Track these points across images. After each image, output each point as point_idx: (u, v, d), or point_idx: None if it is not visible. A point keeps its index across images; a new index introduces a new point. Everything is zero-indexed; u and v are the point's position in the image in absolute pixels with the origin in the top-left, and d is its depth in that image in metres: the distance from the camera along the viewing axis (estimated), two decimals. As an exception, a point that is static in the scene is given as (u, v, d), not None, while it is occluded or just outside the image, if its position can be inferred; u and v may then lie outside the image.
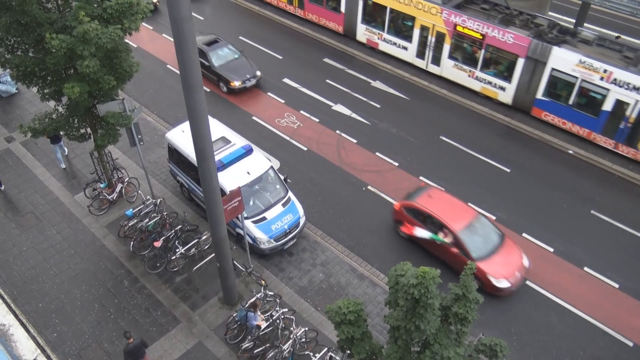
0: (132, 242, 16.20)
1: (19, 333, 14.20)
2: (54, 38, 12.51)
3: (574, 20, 24.29)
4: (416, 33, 24.18)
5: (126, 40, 14.83)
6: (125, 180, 18.21)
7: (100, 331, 14.45)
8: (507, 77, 22.15)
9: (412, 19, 23.95)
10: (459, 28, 22.57)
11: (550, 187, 19.28)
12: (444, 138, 21.46)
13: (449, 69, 23.91)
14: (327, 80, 24.59)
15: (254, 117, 22.46)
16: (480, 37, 22.06)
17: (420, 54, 24.66)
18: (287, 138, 21.37)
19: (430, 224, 16.09)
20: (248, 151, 16.87)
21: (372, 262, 16.58)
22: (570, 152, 20.88)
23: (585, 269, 16.45)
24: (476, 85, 23.33)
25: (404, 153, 20.63)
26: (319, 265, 16.36)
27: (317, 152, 20.71)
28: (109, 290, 15.52)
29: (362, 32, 26.42)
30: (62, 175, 19.09)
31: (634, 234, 17.52)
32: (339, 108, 22.91)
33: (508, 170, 19.98)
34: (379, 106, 23.12)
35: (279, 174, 17.27)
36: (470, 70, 23.18)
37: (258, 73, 23.65)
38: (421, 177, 19.52)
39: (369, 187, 19.19)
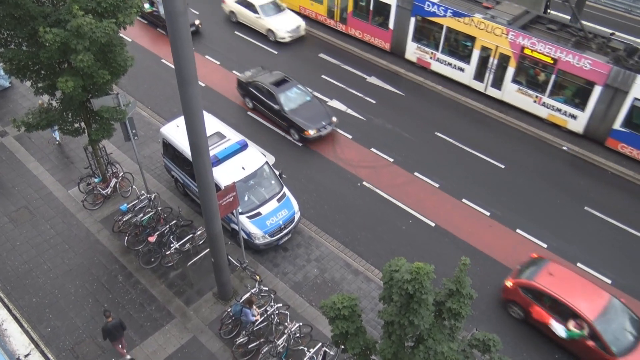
0: (126, 237, 16.16)
1: (13, 328, 14.14)
2: (48, 32, 12.43)
3: (550, 11, 24.45)
4: (476, 54, 22.57)
5: (120, 35, 14.75)
6: (120, 175, 18.15)
7: (94, 326, 14.43)
8: (580, 105, 20.44)
9: (472, 39, 22.35)
10: (526, 51, 20.90)
11: (544, 184, 19.36)
12: (439, 134, 21.50)
13: (511, 93, 22.20)
14: (323, 76, 24.56)
15: (249, 112, 22.41)
16: (552, 62, 20.34)
17: (479, 77, 23.05)
18: (282, 133, 21.34)
19: (556, 309, 13.87)
20: (243, 146, 16.84)
21: (367, 258, 16.62)
22: (565, 148, 20.96)
23: (579, 265, 16.55)
24: (542, 112, 21.64)
25: (399, 149, 20.65)
26: (313, 261, 16.39)
27: (312, 147, 20.70)
28: (103, 285, 15.49)
29: (413, 51, 24.80)
30: (56, 170, 19.01)
31: (627, 231, 17.63)
32: (335, 104, 22.89)
33: (502, 167, 20.05)
34: (374, 102, 23.12)
35: (274, 170, 17.27)
36: (536, 96, 21.46)
37: (334, 119, 21.01)
38: (416, 173, 19.55)
39: (364, 183, 19.21)
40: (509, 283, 14.84)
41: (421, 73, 24.75)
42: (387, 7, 24.60)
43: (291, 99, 21.08)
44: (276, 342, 13.11)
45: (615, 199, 18.84)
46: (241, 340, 13.53)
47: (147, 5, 26.68)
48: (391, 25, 24.98)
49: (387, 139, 21.15)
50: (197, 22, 26.86)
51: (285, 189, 17.00)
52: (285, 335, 13.25)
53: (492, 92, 22.93)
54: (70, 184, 18.45)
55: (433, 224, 17.69)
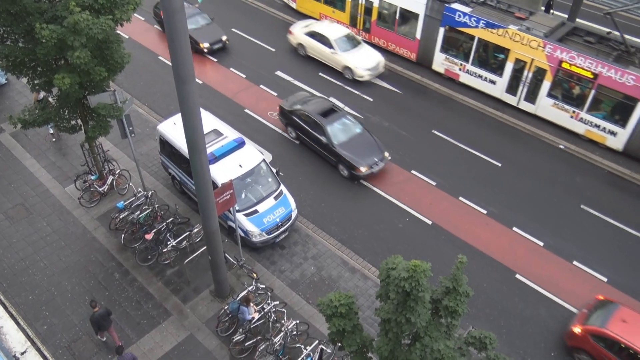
0: (123, 235, 16.14)
1: (9, 325, 14.12)
2: (44, 28, 12.38)
3: (566, 15, 24.40)
4: (509, 67, 21.73)
5: (117, 31, 14.70)
6: (117, 172, 18.11)
7: (90, 324, 14.37)
8: (620, 122, 19.70)
9: (506, 51, 21.52)
10: (565, 65, 20.06)
11: (540, 182, 19.41)
12: (436, 132, 21.51)
13: (546, 108, 21.35)
14: (320, 73, 24.53)
15: (246, 110, 22.38)
16: (592, 77, 19.57)
17: (512, 90, 22.19)
18: (280, 131, 21.32)
19: None
20: (240, 144, 16.82)
21: (364, 256, 16.64)
22: (561, 146, 21.01)
23: (575, 262, 16.61)
24: (579, 128, 20.82)
25: (396, 147, 20.66)
26: (310, 259, 16.40)
27: (309, 146, 20.67)
28: (100, 283, 15.46)
29: (441, 62, 24.00)
30: (52, 167, 18.95)
31: (623, 229, 17.69)
32: (332, 101, 22.84)
33: (499, 165, 20.08)
34: (371, 100, 23.11)
35: (271, 167, 17.25)
36: (573, 111, 20.61)
37: (386, 154, 19.21)
38: (413, 171, 19.56)
39: (362, 181, 19.21)
40: (576, 329, 13.75)
41: (449, 84, 23.91)
42: (415, 16, 23.81)
43: (340, 131, 19.23)
44: (273, 340, 13.12)
45: (611, 197, 18.90)
46: (238, 337, 13.54)
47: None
48: (418, 35, 24.14)
49: (384, 137, 21.12)
50: (224, 37, 25.42)
51: (282, 187, 16.99)
52: (282, 333, 13.26)
53: (525, 106, 22.03)
54: (66, 181, 18.40)
55: (430, 222, 17.73)
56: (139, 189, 17.14)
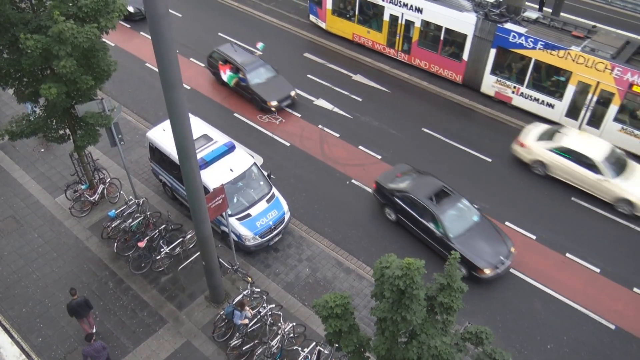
0: (115, 243, 16.05)
1: (3, 339, 13.95)
2: (29, 38, 12.29)
3: (548, 9, 24.58)
4: (570, 90, 20.36)
5: (103, 39, 14.62)
6: (107, 181, 18.01)
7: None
8: None
9: (567, 73, 20.18)
10: (635, 88, 18.74)
11: (531, 176, 19.51)
12: (425, 130, 21.59)
13: (612, 132, 19.91)
14: (308, 75, 24.56)
15: (235, 114, 22.35)
16: None
17: (572, 114, 20.80)
18: (270, 134, 21.31)
19: None
20: (230, 148, 16.79)
21: (358, 256, 16.65)
22: (550, 140, 21.12)
23: (567, 255, 16.72)
24: None
25: (386, 146, 20.71)
26: (305, 261, 16.39)
27: (300, 147, 20.70)
28: (94, 293, 15.36)
29: (491, 84, 22.62)
30: (42, 178, 18.80)
31: (614, 220, 17.83)
32: (321, 102, 22.91)
33: (490, 160, 20.18)
34: (360, 100, 23.16)
35: (263, 170, 17.24)
36: None
37: (512, 249, 15.92)
38: (404, 170, 19.60)
39: (353, 181, 19.25)
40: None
41: (499, 107, 22.72)
42: (462, 37, 22.49)
43: (456, 220, 16.07)
44: (270, 343, 13.10)
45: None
46: (235, 342, 13.51)
47: (228, 73, 21.63)
48: (465, 56, 22.84)
49: (375, 137, 21.21)
50: (292, 93, 22.44)
51: (274, 190, 16.98)
52: (279, 336, 13.24)
53: (588, 130, 20.46)
54: (56, 192, 18.27)
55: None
56: (130, 197, 17.06)
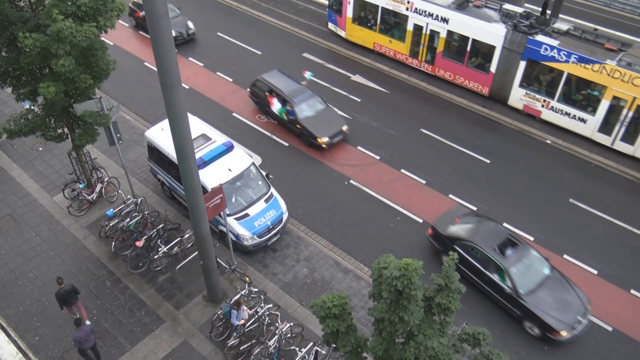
0: (113, 243, 16.04)
1: (0, 337, 13.98)
2: (27, 37, 12.28)
3: (548, 11, 24.57)
4: (604, 105, 19.73)
5: (102, 38, 14.62)
6: (105, 180, 18.00)
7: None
8: None
9: (602, 88, 19.58)
10: None
11: (529, 177, 19.55)
12: (424, 130, 21.60)
13: None
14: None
15: (234, 114, 22.34)
16: None
17: (605, 129, 20.18)
18: (268, 134, 21.31)
19: None
20: (229, 148, 16.79)
21: (356, 256, 16.66)
22: (548, 142, 21.18)
23: (565, 256, 16.74)
24: None
25: (385, 146, 20.72)
26: (302, 261, 16.39)
27: (298, 147, 20.69)
28: (91, 292, 15.35)
29: (519, 97, 21.99)
30: (40, 177, 18.78)
31: (612, 221, 17.86)
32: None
33: (488, 161, 20.20)
34: (359, 100, 23.17)
35: (261, 170, 17.23)
36: None
37: (589, 307, 14.44)
38: (403, 170, 19.63)
39: (351, 182, 19.25)
40: None
41: (526, 121, 22.10)
42: (490, 48, 21.85)
43: (526, 273, 14.55)
44: (268, 343, 13.09)
45: (599, 190, 19.08)
46: (232, 342, 13.50)
47: (277, 105, 20.76)
48: (493, 68, 22.16)
49: (373, 137, 21.21)
50: (344, 127, 20.60)
51: (272, 190, 16.97)
52: (276, 336, 13.24)
53: (621, 146, 20.10)
54: (54, 191, 18.25)
55: (421, 221, 17.78)
56: (128, 196, 17.04)
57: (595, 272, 16.27)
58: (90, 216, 17.46)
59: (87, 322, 13.51)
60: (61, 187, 17.94)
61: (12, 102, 21.28)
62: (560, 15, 25.00)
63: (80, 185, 17.55)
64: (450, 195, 18.65)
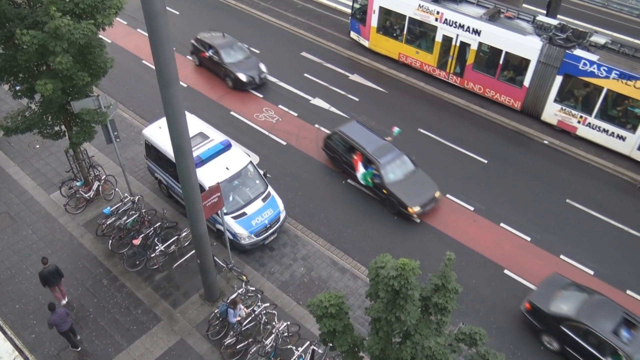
0: (110, 241, 16.01)
1: (-4, 335, 13.97)
2: (25, 34, 12.24)
3: (544, 11, 24.65)
4: None
5: (100, 36, 14.58)
6: (102, 178, 17.96)
7: (79, 331, 14.27)
8: None
9: None
10: None
11: (526, 177, 19.59)
12: (422, 130, 21.62)
13: None
14: (305, 74, 24.54)
15: (232, 112, 22.32)
16: None
17: None
18: (266, 133, 21.30)
19: None
20: (227, 146, 16.77)
21: (353, 255, 16.67)
22: (546, 142, 21.22)
23: (562, 257, 16.78)
24: None
25: (383, 146, 20.69)
26: (300, 260, 16.39)
27: (296, 146, 20.69)
28: (88, 290, 15.32)
29: (553, 113, 21.26)
30: (37, 174, 18.73)
31: (608, 222, 17.91)
32: (318, 102, 22.90)
33: (485, 161, 20.23)
34: (357, 99, 23.17)
35: (259, 169, 17.22)
36: None
37: None
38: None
39: (349, 181, 19.25)
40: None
41: (561, 137, 21.43)
42: (524, 62, 21.21)
43: None
44: (264, 342, 13.10)
45: (596, 191, 19.13)
46: (229, 340, 13.50)
47: (361, 170, 17.91)
48: (526, 82, 21.47)
49: (371, 136, 21.18)
50: (437, 194, 17.81)
51: (270, 189, 16.96)
52: (273, 335, 13.24)
53: None
54: (51, 188, 18.20)
55: (418, 220, 17.80)
56: (126, 194, 17.02)
57: (592, 272, 16.32)
58: (87, 214, 17.43)
59: (64, 301, 14.40)
60: (58, 185, 17.90)
61: (9, 99, 21.19)
62: (558, 16, 25.04)
63: (78, 183, 17.51)
64: (448, 196, 18.67)
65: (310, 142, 20.82)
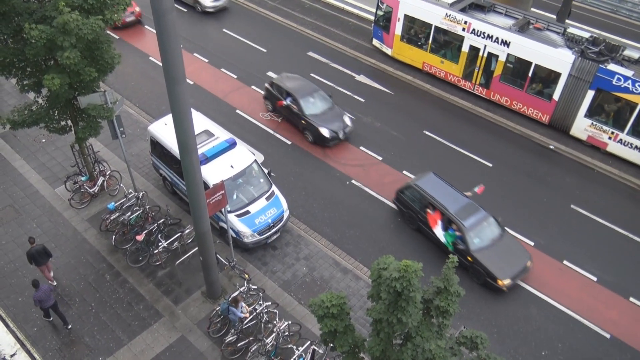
0: (114, 236, 16.06)
1: (-2, 328, 14.04)
2: (34, 28, 12.29)
3: (554, 16, 24.57)
4: None
5: (108, 32, 14.62)
6: (107, 173, 18.01)
7: (81, 325, 14.33)
8: None
9: None
10: None
11: (531, 182, 19.53)
12: (427, 133, 21.59)
13: None
14: (312, 74, 24.53)
15: (237, 111, 22.35)
16: None
17: None
18: (271, 132, 21.31)
19: None
20: (232, 144, 16.79)
21: (356, 256, 16.66)
22: (551, 147, 21.15)
23: (565, 262, 16.73)
24: None
25: (387, 147, 20.71)
26: (302, 259, 16.40)
27: (301, 146, 20.70)
28: (91, 285, 15.37)
29: (583, 128, 20.69)
30: (42, 168, 18.81)
31: (612, 228, 17.84)
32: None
33: (490, 165, 20.19)
34: (363, 100, 23.16)
35: (263, 168, 17.23)
36: None
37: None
38: (404, 172, 19.62)
39: (353, 181, 19.25)
40: None
41: (590, 152, 20.90)
42: (555, 75, 20.67)
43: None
44: (265, 341, 13.11)
45: (601, 197, 19.06)
46: (230, 338, 13.51)
47: (440, 230, 15.96)
48: (556, 96, 20.90)
49: (376, 138, 21.20)
50: (528, 263, 15.87)
51: (274, 187, 16.98)
52: (274, 334, 13.25)
53: None
54: (56, 183, 18.27)
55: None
56: (130, 190, 17.06)
57: (595, 278, 16.25)
58: (91, 209, 17.49)
59: (54, 283, 14.76)
60: (63, 180, 17.97)
61: (17, 93, 21.31)
62: (567, 22, 24.97)
63: (82, 178, 17.58)
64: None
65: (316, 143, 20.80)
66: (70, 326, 14.28)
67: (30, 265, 14.80)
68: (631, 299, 15.75)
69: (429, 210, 16.24)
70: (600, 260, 16.79)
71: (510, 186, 19.34)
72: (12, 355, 13.45)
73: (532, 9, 27.43)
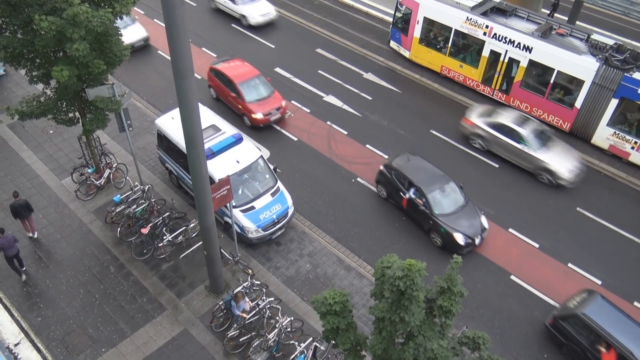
0: (119, 229, 16.13)
1: (3, 317, 14.13)
2: (43, 20, 12.34)
3: (566, 18, 24.42)
4: None
5: (117, 25, 14.66)
6: (114, 165, 18.09)
7: (85, 316, 14.42)
8: None
9: None
10: None
11: (537, 184, 19.43)
12: (434, 132, 21.53)
13: None
14: (319, 71, 24.52)
15: (244, 106, 22.34)
16: None
17: None
18: (278, 128, 21.31)
19: None
20: (238, 140, 16.81)
21: (359, 254, 16.65)
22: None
23: (569, 265, 16.66)
24: None
25: (394, 146, 20.67)
26: (306, 256, 16.41)
27: (307, 142, 20.69)
28: (95, 276, 15.45)
29: (605, 137, 20.30)
30: (49, 159, 18.90)
31: (618, 232, 17.75)
32: (331, 99, 22.87)
33: (496, 166, 20.11)
34: (370, 98, 23.11)
35: (269, 164, 17.25)
36: None
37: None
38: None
39: (359, 179, 19.23)
40: None
41: (611, 161, 20.59)
42: (578, 82, 20.26)
43: None
44: (267, 336, 13.14)
45: (607, 200, 18.95)
46: (232, 333, 13.56)
47: None
48: (578, 103, 20.45)
49: (383, 136, 21.17)
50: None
51: (279, 184, 16.99)
52: (276, 330, 13.28)
53: None
54: (63, 174, 18.36)
55: None
56: (136, 183, 17.12)
57: (599, 282, 16.19)
58: (97, 201, 17.56)
59: (31, 234, 15.95)
60: (70, 171, 18.05)
61: (25, 84, 21.39)
62: (578, 23, 24.82)
63: (89, 170, 17.65)
64: (457, 198, 18.56)
65: (322, 139, 20.81)
66: (24, 277, 15.05)
67: (15, 220, 15.77)
68: (635, 303, 15.67)
69: (603, 349, 13.21)
70: (605, 263, 16.71)
71: (516, 187, 19.26)
72: (16, 345, 13.55)
73: (542, 10, 27.25)
